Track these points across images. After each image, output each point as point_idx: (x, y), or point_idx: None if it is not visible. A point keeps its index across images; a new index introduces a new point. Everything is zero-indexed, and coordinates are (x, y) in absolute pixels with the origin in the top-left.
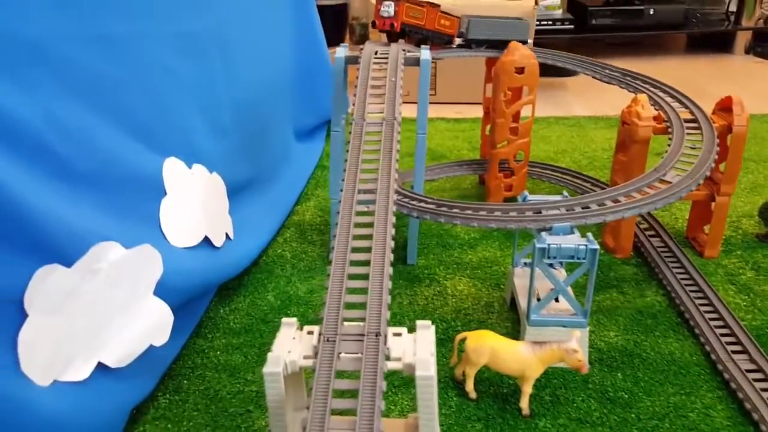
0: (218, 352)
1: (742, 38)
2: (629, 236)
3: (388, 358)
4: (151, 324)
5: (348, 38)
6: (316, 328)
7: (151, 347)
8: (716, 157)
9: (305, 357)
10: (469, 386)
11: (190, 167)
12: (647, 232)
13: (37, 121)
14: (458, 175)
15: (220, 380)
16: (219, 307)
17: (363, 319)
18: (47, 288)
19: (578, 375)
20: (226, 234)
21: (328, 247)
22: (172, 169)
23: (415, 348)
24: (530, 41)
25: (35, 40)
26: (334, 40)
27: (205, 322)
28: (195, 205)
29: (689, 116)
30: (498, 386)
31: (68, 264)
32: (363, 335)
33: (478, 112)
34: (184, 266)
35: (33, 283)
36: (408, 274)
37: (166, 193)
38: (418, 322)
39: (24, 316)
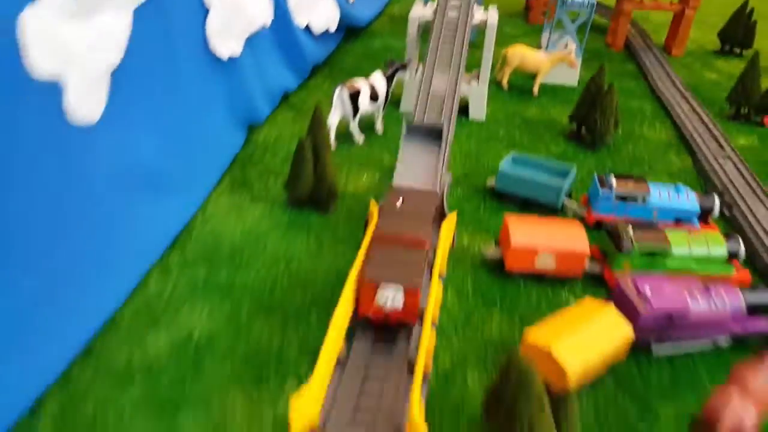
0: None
1: None
2: (623, 36)
3: (472, 18)
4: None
5: None
6: (435, 3)
7: (328, 30)
8: None
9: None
10: (505, 81)
11: None
12: (637, 38)
13: None
14: None
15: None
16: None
17: None
18: None
19: None
20: None
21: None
22: None
23: (486, 15)
24: None
25: None
26: None
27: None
28: None
29: None
30: (521, 87)
31: None
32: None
33: None
34: None
35: None
36: None
37: None
38: (490, 7)
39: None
